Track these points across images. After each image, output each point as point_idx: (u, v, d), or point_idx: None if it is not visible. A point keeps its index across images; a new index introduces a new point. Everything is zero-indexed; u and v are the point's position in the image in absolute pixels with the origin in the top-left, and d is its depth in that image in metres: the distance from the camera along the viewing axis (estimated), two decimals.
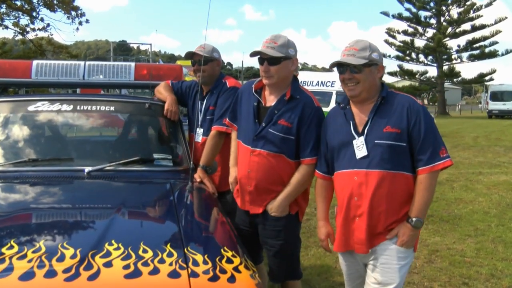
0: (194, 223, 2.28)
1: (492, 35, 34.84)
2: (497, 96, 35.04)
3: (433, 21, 37.38)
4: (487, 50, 35.46)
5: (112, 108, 3.12)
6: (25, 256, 1.54)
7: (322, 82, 15.07)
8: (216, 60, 3.01)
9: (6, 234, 1.84)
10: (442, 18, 37.05)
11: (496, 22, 34.73)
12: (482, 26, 35.19)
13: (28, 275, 1.44)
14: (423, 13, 36.93)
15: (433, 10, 36.70)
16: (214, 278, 1.56)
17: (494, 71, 35.67)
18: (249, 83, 2.65)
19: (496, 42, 35.20)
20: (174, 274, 1.54)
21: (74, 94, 3.58)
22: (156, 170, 2.85)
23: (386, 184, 2.10)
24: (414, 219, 2.10)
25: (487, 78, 36.76)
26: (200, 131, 3.06)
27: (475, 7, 34.93)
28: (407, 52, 37.58)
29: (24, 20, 16.34)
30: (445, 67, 37.00)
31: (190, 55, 2.99)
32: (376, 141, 2.11)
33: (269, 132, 2.45)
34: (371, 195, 2.10)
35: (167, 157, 2.96)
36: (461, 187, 7.79)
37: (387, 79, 33.49)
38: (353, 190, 2.15)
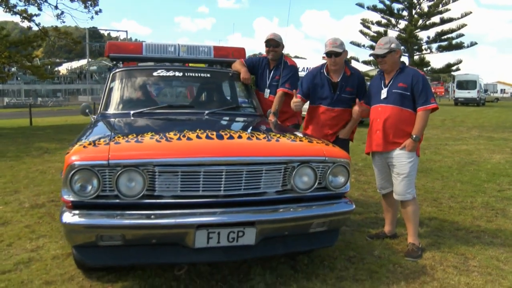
0: (278, 126, 3.92)
1: (459, 28, 37.17)
2: (462, 85, 37.60)
3: (405, 13, 39.41)
4: (454, 42, 37.75)
5: (208, 75, 4.74)
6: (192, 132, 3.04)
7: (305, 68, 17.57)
8: (282, 45, 4.63)
9: (169, 129, 3.27)
10: (414, 11, 39.09)
11: (462, 16, 37.00)
12: (450, 19, 37.41)
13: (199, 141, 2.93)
14: (396, 6, 38.89)
15: (405, 3, 38.72)
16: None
17: (460, 62, 38.04)
18: (317, 69, 4.32)
19: (462, 35, 37.55)
20: (290, 139, 3.16)
21: (181, 65, 5.07)
22: (244, 113, 4.46)
23: (395, 114, 3.79)
24: (414, 135, 3.76)
25: (454, 68, 39.13)
26: (267, 91, 4.67)
27: (444, 1, 37.08)
28: None
29: (33, 8, 17.32)
30: (416, 57, 39.19)
31: (267, 40, 4.59)
32: (393, 90, 3.81)
33: (342, 97, 4.18)
34: (386, 118, 3.80)
35: (249, 106, 4.56)
36: (431, 152, 9.67)
37: (361, 67, 35.37)
38: (377, 115, 3.85)
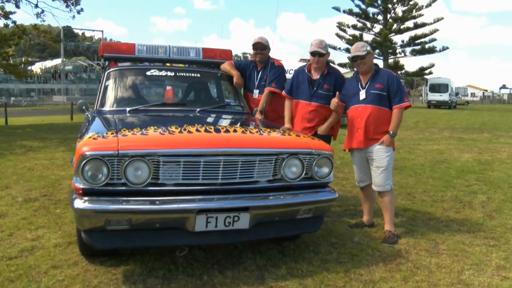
0: (266, 123, 4.24)
1: (431, 33, 38.42)
2: (435, 88, 38.75)
3: (380, 17, 40.48)
4: (427, 46, 38.97)
5: (198, 75, 5.01)
6: (191, 126, 3.34)
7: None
8: (268, 48, 4.93)
9: (168, 124, 3.40)
10: (389, 15, 40.18)
11: (434, 21, 38.24)
12: (423, 24, 38.59)
13: (197, 133, 3.22)
14: (371, 10, 39.98)
15: (381, 7, 39.78)
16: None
17: (433, 65, 39.31)
18: (302, 68, 4.66)
19: (435, 39, 38.84)
20: (280, 133, 3.50)
21: (172, 66, 5.32)
22: (233, 111, 4.75)
23: (374, 113, 4.13)
24: (391, 131, 4.12)
25: (427, 71, 40.41)
26: (256, 91, 4.95)
27: (417, 6, 38.24)
28: None
29: (10, 5, 17.11)
30: (390, 60, 40.28)
31: (255, 43, 4.88)
32: (371, 91, 4.15)
33: (319, 93, 4.47)
34: (366, 117, 4.14)
35: (238, 105, 4.85)
36: (405, 151, 10.16)
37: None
38: (357, 114, 4.20)
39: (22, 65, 26.93)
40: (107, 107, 4.30)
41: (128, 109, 4.17)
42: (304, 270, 3.38)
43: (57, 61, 49.55)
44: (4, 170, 6.98)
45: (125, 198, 2.88)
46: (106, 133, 3.10)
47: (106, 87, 4.55)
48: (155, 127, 3.30)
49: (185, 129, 3.24)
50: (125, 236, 3.00)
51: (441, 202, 5.61)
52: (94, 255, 3.48)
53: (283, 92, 4.71)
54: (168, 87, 5.11)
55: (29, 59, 29.16)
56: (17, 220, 4.44)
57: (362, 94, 4.19)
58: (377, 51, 40.39)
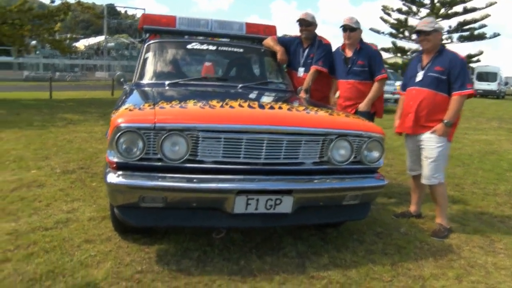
0: (311, 101, 3.99)
1: (482, 18, 36.42)
2: (482, 76, 37.00)
3: (427, 1, 38.81)
4: (476, 32, 37.03)
5: (240, 50, 4.78)
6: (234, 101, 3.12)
7: None
8: (315, 24, 4.64)
9: (209, 98, 3.17)
10: None
11: (486, 6, 36.23)
12: (473, 9, 36.65)
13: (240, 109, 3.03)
14: None
15: None
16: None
17: (481, 53, 37.35)
18: (336, 48, 4.56)
19: (485, 25, 36.83)
20: (328, 112, 3.25)
21: (214, 40, 5.12)
22: (277, 88, 4.51)
23: (429, 97, 3.79)
24: (446, 120, 3.75)
25: (474, 59, 38.46)
26: (301, 69, 4.69)
27: None
28: (401, 30, 39.00)
29: None
30: None
31: (299, 19, 4.61)
32: (428, 74, 3.81)
33: (354, 70, 4.29)
34: (419, 102, 3.81)
35: (281, 82, 4.61)
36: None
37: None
38: (411, 97, 3.88)
39: (67, 41, 27.47)
40: (145, 80, 4.15)
41: (167, 82, 4.00)
42: (348, 260, 3.15)
43: (100, 38, 50.44)
44: (45, 142, 7.03)
45: (161, 175, 2.72)
46: (143, 105, 2.93)
47: (145, 60, 4.39)
48: (195, 101, 3.11)
49: (227, 104, 3.04)
50: (160, 214, 2.84)
51: (493, 195, 5.22)
52: (127, 231, 3.36)
53: (326, 70, 4.54)
54: (209, 62, 4.91)
55: (74, 35, 29.66)
56: (55, 191, 4.41)
57: (419, 76, 3.86)
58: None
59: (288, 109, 3.23)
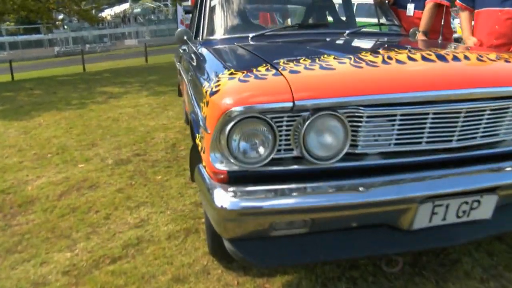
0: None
1: None
2: None
3: None
4: None
5: None
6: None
7: None
8: None
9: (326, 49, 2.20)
10: None
11: None
12: None
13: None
14: None
15: None
16: None
17: None
18: None
19: None
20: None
21: None
22: (393, 32, 3.27)
23: None
24: None
25: None
26: (411, 6, 3.48)
27: None
28: None
29: None
30: None
31: None
32: None
33: None
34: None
35: (392, 24, 3.36)
36: None
37: None
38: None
39: (93, 11, 26.71)
40: (218, 35, 2.98)
41: (250, 35, 2.83)
42: None
43: (125, 6, 49.57)
44: (88, 123, 6.05)
45: (301, 186, 1.60)
46: (257, 70, 1.76)
47: (212, 9, 3.20)
48: (336, 57, 1.92)
49: (390, 57, 1.83)
50: (298, 245, 1.74)
51: None
52: (231, 258, 2.30)
53: (458, 1, 3.29)
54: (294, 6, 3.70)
55: (99, 5, 28.80)
56: (112, 193, 3.40)
57: None
58: None
59: (478, 59, 1.98)
